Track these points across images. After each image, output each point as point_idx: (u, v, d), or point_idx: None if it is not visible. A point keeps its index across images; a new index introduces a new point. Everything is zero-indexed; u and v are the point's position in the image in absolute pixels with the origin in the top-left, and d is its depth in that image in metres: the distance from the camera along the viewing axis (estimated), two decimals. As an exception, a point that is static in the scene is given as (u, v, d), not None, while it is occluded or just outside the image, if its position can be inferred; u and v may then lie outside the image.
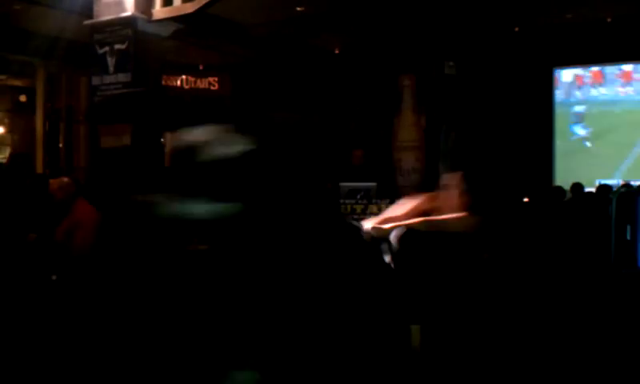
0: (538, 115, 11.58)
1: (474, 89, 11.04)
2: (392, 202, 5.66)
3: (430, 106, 11.18)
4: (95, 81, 6.53)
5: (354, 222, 3.25)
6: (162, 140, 7.68)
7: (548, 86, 11.92)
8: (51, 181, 5.93)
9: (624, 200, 6.65)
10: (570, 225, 7.08)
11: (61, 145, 12.05)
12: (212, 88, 13.15)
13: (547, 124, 11.90)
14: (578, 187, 8.63)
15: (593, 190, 9.04)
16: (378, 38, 10.61)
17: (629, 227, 6.47)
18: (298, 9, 9.34)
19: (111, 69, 6.37)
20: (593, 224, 6.97)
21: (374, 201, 5.54)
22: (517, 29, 10.63)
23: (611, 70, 11.59)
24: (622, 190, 7.24)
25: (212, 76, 13.09)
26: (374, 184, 5.94)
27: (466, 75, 11.13)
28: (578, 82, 11.93)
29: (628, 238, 6.46)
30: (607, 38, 10.48)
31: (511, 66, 11.12)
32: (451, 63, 11.14)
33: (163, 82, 7.74)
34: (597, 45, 10.73)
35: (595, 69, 11.71)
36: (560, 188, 8.93)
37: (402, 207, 3.54)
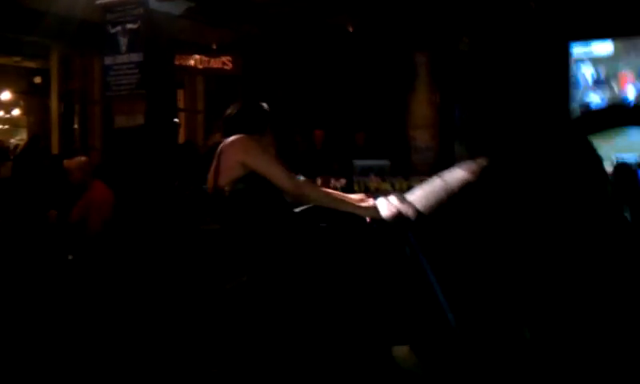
0: (554, 90, 11.44)
1: (490, 65, 10.91)
2: (406, 179, 5.64)
3: (444, 83, 11.09)
4: (107, 61, 6.53)
5: None
6: (176, 120, 7.69)
7: (564, 60, 11.76)
8: (66, 161, 5.94)
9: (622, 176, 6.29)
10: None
11: (75, 126, 12.09)
12: (226, 68, 13.11)
13: (563, 98, 11.76)
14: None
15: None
16: (392, 14, 10.51)
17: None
18: (311, -14, 9.26)
19: (123, 48, 6.35)
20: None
21: (387, 178, 5.51)
22: (533, 4, 10.48)
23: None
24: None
25: (225, 55, 13.04)
26: (387, 162, 5.90)
27: (481, 51, 11.01)
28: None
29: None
30: (624, 11, 10.30)
31: (527, 41, 10.96)
32: (466, 39, 11.03)
33: (176, 62, 7.71)
34: (613, 18, 10.56)
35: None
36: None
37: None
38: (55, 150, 11.15)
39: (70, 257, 5.42)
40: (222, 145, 2.95)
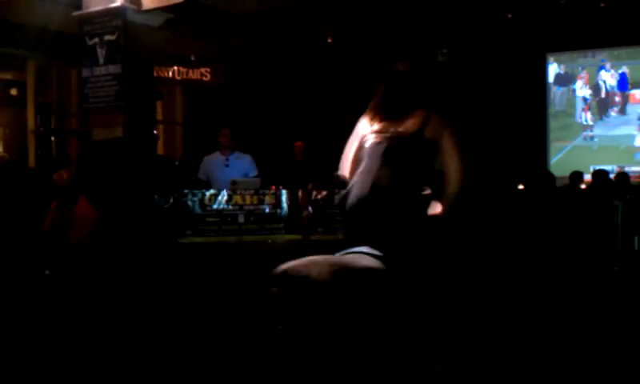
0: (531, 101, 11.56)
1: (468, 76, 11.00)
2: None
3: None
4: (85, 73, 6.44)
5: None
6: (154, 132, 7.63)
7: (541, 71, 11.90)
8: (56, 174, 5.80)
9: (631, 207, 6.37)
10: (567, 213, 6.85)
11: (53, 138, 11.97)
12: (204, 79, 13.06)
13: (541, 109, 11.88)
14: (577, 176, 8.44)
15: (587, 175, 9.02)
16: (371, 25, 10.54)
17: (636, 239, 6.25)
18: (290, -3, 9.26)
19: (101, 60, 6.27)
20: (593, 214, 6.72)
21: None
22: (510, 15, 10.58)
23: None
24: (628, 197, 6.89)
25: (204, 66, 13.00)
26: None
27: (459, 62, 11.08)
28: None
29: (636, 248, 6.26)
30: (600, 23, 10.44)
31: (504, 52, 11.08)
32: (444, 50, 11.09)
33: (155, 74, 7.67)
34: (590, 30, 10.70)
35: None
36: (548, 172, 8.55)
37: None
38: (32, 162, 11.02)
39: (47, 272, 5.33)
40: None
